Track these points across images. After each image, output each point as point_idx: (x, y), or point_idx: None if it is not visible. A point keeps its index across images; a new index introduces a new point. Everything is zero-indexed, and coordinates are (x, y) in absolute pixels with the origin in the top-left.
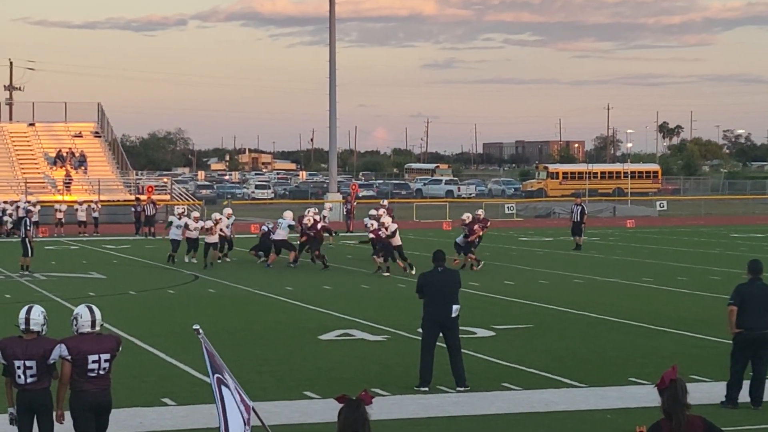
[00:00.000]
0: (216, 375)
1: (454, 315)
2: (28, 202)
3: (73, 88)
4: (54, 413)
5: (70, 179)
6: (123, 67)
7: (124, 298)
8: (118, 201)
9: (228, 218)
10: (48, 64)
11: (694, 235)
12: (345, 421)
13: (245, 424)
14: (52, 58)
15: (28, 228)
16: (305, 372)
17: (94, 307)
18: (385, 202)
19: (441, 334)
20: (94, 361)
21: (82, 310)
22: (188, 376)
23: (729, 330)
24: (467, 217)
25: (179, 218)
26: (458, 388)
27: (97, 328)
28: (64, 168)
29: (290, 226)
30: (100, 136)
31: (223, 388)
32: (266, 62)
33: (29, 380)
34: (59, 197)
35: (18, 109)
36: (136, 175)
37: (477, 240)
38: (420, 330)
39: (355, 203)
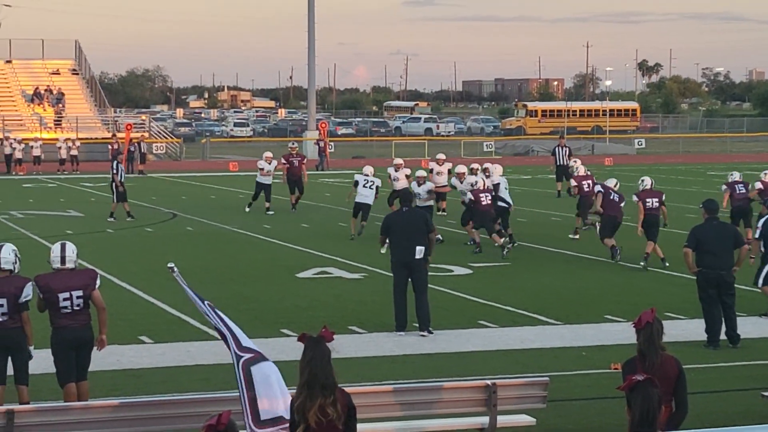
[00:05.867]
0: (207, 301)
1: (418, 257)
2: (14, 139)
3: (50, 25)
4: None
5: (60, 117)
6: (101, 3)
7: (102, 236)
8: (96, 139)
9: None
10: (25, 0)
11: (671, 173)
12: (305, 358)
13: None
14: None
15: (115, 171)
16: (282, 310)
17: (68, 244)
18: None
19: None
20: (65, 299)
21: (54, 246)
22: (165, 314)
23: (689, 270)
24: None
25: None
26: (422, 333)
27: (69, 264)
28: (41, 105)
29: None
30: (77, 74)
31: (218, 310)
32: None
33: (0, 318)
34: (37, 134)
35: None
36: (114, 112)
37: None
38: None
39: (327, 140)
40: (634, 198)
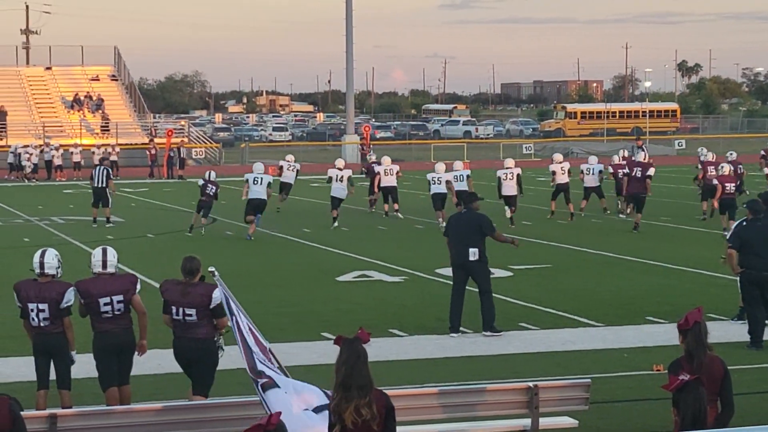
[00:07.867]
0: (233, 317)
1: (471, 258)
2: (52, 146)
3: (89, 31)
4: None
5: (107, 123)
6: (139, 9)
7: (143, 241)
8: (135, 144)
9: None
10: (64, 7)
11: None
12: (341, 359)
13: (263, 363)
14: (68, 1)
15: (111, 177)
16: (323, 313)
17: (109, 249)
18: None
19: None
20: (105, 304)
21: (96, 251)
22: None
23: (733, 272)
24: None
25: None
26: (483, 332)
27: (110, 269)
28: (81, 112)
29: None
30: (117, 80)
31: (242, 330)
32: (283, 3)
33: (42, 323)
34: (77, 140)
35: (35, 53)
36: (154, 118)
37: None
38: (437, 271)
39: (369, 144)
40: (714, 181)
